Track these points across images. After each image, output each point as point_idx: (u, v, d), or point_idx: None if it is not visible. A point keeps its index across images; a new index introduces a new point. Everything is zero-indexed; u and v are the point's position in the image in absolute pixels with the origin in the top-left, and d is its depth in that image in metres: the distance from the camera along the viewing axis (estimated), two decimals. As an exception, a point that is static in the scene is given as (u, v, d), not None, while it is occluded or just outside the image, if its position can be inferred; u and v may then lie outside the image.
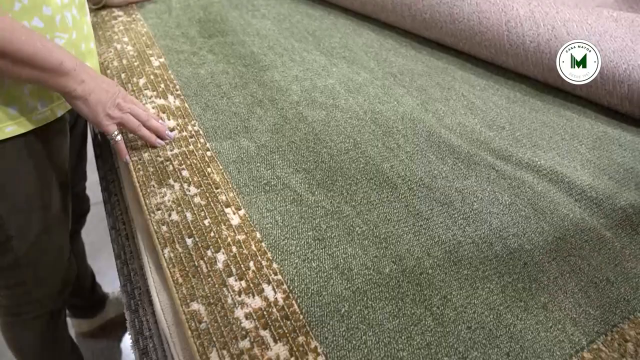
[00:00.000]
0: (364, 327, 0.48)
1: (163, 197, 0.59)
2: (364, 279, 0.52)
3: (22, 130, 0.61)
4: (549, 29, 0.83)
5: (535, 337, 0.49)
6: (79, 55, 0.65)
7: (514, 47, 0.87)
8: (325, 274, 0.52)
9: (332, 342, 0.46)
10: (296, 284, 0.51)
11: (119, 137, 0.64)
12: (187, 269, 0.52)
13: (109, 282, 1.31)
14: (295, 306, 0.49)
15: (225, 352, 0.45)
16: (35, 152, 0.66)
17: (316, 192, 0.62)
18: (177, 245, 0.54)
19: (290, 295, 0.50)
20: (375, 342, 0.47)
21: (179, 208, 0.58)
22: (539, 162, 0.70)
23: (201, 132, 0.69)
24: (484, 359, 0.47)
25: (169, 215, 0.57)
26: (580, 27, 0.81)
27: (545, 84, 0.88)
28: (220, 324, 0.47)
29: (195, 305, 0.49)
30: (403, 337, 0.48)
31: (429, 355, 0.46)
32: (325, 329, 0.47)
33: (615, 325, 0.51)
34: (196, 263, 0.52)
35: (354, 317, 0.49)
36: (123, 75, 0.78)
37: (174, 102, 0.74)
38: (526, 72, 0.89)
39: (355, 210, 0.60)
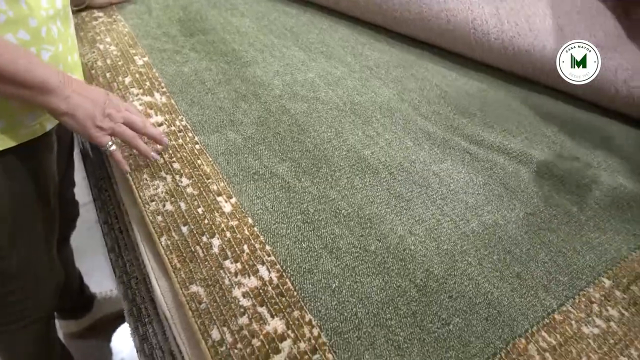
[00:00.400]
0: (354, 300, 0.52)
1: (156, 189, 0.62)
2: (351, 257, 0.56)
3: (7, 146, 0.59)
4: (513, 26, 0.88)
5: (510, 303, 0.53)
6: (66, 68, 0.63)
7: (479, 44, 0.92)
8: (315, 253, 0.56)
9: (325, 314, 0.50)
10: (289, 263, 0.54)
11: (113, 147, 0.62)
12: (184, 254, 0.54)
13: (95, 282, 1.31)
14: (289, 284, 0.52)
15: (225, 328, 0.48)
16: (22, 167, 0.64)
17: (303, 179, 0.65)
18: (173, 233, 0.57)
19: (284, 274, 0.53)
20: (365, 313, 0.51)
21: (172, 198, 0.60)
22: (509, 145, 0.74)
23: (189, 126, 0.72)
24: (465, 324, 0.51)
25: (163, 205, 0.60)
26: (542, 23, 0.86)
27: (512, 75, 0.93)
28: (220, 304, 0.50)
29: (194, 288, 0.51)
30: (390, 308, 0.51)
31: (415, 322, 0.50)
32: (318, 303, 0.51)
33: (582, 289, 0.56)
34: (193, 249, 0.55)
35: (344, 291, 0.52)
36: (108, 75, 0.80)
37: (160, 98, 0.76)
38: (494, 65, 0.94)
39: (340, 194, 0.64)
